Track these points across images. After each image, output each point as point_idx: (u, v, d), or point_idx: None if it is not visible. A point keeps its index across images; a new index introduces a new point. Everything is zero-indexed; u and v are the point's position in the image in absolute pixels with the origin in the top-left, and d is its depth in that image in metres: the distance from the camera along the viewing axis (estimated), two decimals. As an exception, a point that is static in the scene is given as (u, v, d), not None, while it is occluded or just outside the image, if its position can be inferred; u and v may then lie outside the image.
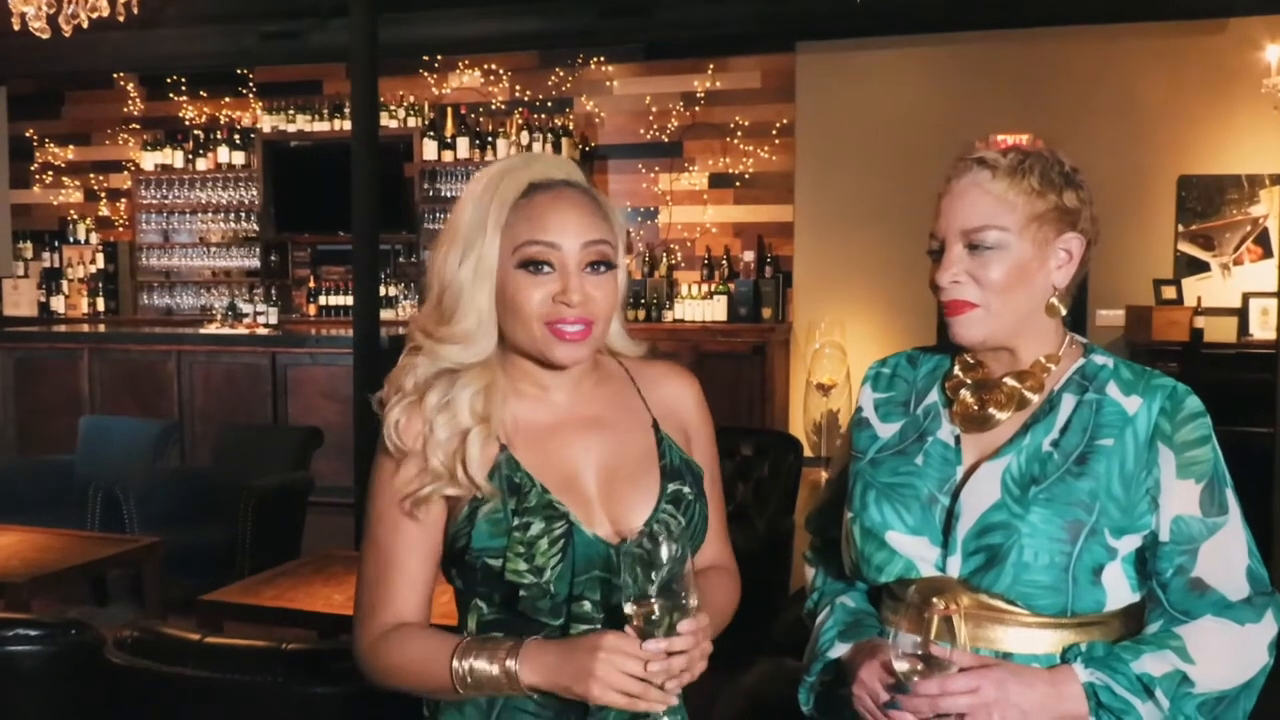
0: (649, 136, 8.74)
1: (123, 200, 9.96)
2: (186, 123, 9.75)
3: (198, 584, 4.04)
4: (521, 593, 1.44)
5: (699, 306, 8.45)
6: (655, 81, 8.71)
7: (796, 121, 8.43)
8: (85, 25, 5.05)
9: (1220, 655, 1.47)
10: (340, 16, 6.58)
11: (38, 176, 10.18)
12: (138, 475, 5.28)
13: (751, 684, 2.49)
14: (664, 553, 1.36)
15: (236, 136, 9.48)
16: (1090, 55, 7.75)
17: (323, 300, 9.31)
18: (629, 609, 1.35)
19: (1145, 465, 1.51)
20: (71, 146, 10.09)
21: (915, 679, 1.40)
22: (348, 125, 6.70)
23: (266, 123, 9.33)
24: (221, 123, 9.68)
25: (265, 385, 7.58)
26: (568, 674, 1.36)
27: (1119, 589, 1.51)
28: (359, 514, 5.04)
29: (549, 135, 8.69)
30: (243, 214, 9.47)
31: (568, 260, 1.46)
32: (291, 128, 9.26)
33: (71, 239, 9.93)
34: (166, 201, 9.60)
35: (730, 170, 8.62)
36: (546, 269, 1.46)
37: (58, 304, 9.83)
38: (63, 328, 9.13)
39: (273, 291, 9.30)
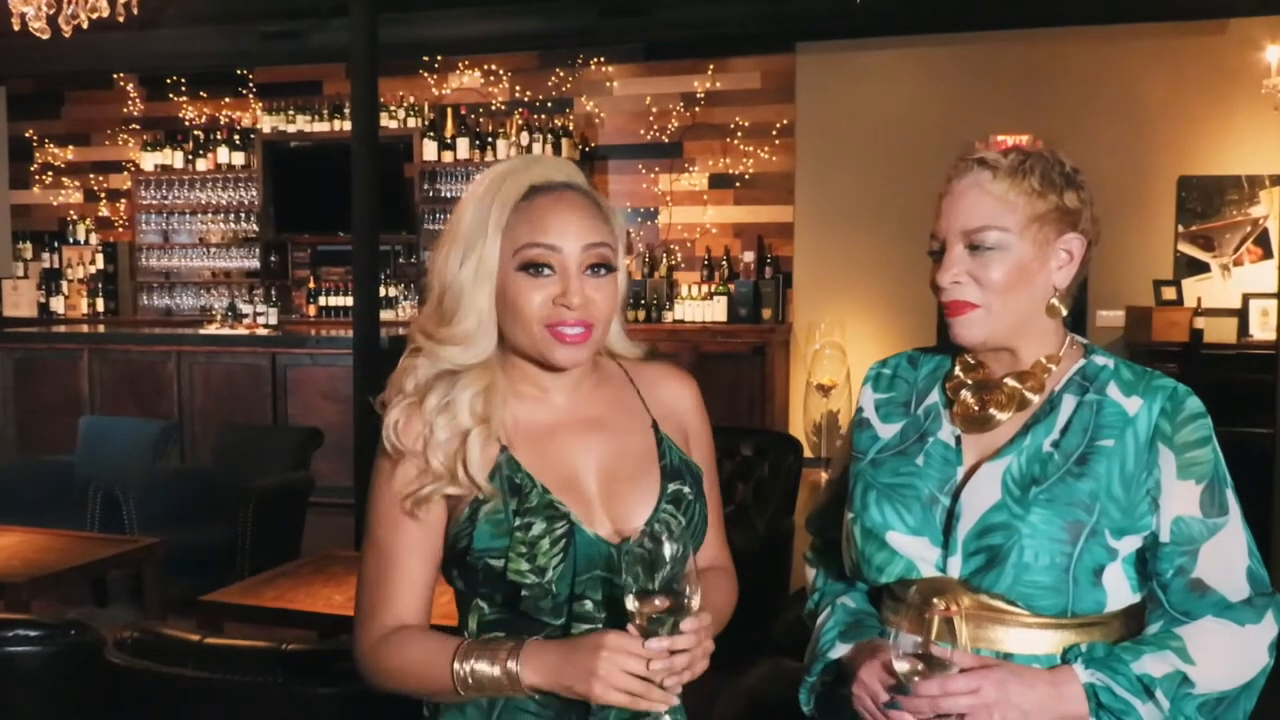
0: (649, 137, 8.74)
1: (122, 201, 9.96)
2: (186, 123, 9.76)
3: (198, 584, 4.04)
4: (523, 593, 1.45)
5: (699, 307, 8.45)
6: (655, 82, 8.71)
7: (796, 122, 8.43)
8: (85, 25, 5.05)
9: (1220, 656, 1.47)
10: (340, 17, 6.58)
11: (37, 177, 10.19)
12: (137, 476, 5.28)
13: (751, 684, 2.49)
14: (666, 552, 1.37)
15: (236, 137, 9.48)
16: (1090, 55, 7.75)
17: (323, 301, 9.31)
18: (631, 608, 1.36)
19: (1146, 466, 1.51)
20: (71, 147, 10.09)
21: (916, 679, 1.40)
22: (348, 126, 6.71)
23: (266, 123, 9.33)
24: (221, 123, 9.68)
25: (265, 386, 7.58)
26: (570, 674, 1.36)
27: (1119, 590, 1.51)
28: (359, 514, 5.04)
29: (549, 136, 8.69)
30: (242, 214, 9.47)
31: (568, 263, 1.46)
32: (291, 128, 9.27)
33: (71, 239, 9.93)
34: (166, 202, 9.60)
35: (730, 171, 8.62)
36: (547, 271, 1.46)
37: (57, 304, 9.84)
38: (62, 328, 9.13)
39: (273, 292, 9.30)
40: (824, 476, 7.68)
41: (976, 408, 1.60)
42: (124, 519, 5.05)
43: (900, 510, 1.57)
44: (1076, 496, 1.50)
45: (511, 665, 1.39)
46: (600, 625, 1.45)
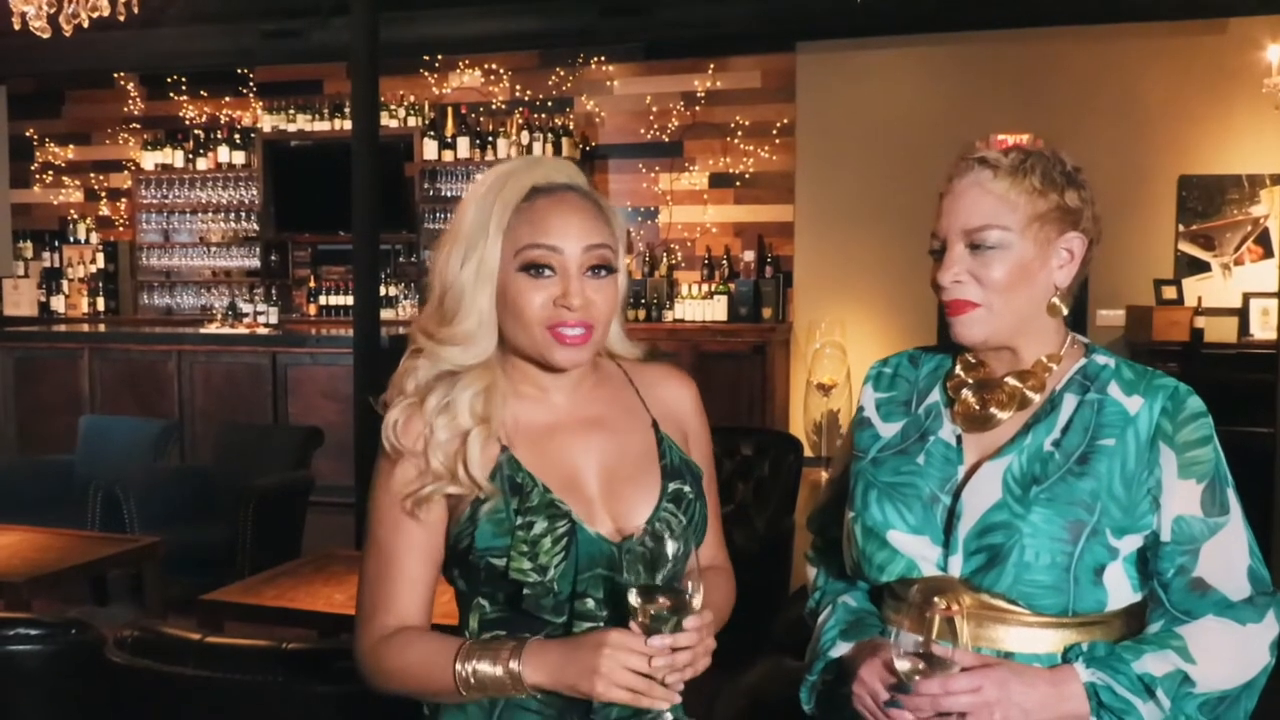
0: (649, 136, 8.74)
1: (123, 200, 9.96)
2: (187, 122, 9.76)
3: (198, 583, 4.04)
4: (525, 591, 1.45)
5: (699, 306, 8.45)
6: (655, 81, 8.71)
7: (797, 121, 8.43)
8: (85, 25, 5.04)
9: (1222, 655, 1.47)
10: (341, 16, 6.57)
11: (38, 176, 10.19)
12: (138, 475, 5.28)
13: (752, 683, 2.49)
14: (669, 549, 1.39)
15: (237, 136, 9.48)
16: (1090, 55, 7.75)
17: (323, 300, 9.31)
18: (634, 604, 1.36)
19: (1147, 465, 1.51)
20: (72, 146, 10.09)
21: (917, 678, 1.40)
22: (348, 125, 6.71)
23: (267, 122, 9.33)
24: (222, 122, 9.68)
25: (265, 385, 7.58)
26: (572, 672, 1.37)
27: (1120, 589, 1.51)
28: (359, 513, 5.05)
29: (549, 135, 8.68)
30: (243, 214, 9.47)
31: (569, 264, 1.47)
32: (292, 127, 9.27)
33: (72, 239, 9.94)
34: (167, 201, 9.60)
35: (730, 170, 8.62)
36: (548, 272, 1.47)
37: (58, 304, 9.84)
38: (63, 327, 9.13)
39: (273, 291, 9.30)
40: (824, 475, 7.68)
41: (977, 407, 1.60)
42: (124, 518, 5.05)
43: (901, 509, 1.57)
44: (1077, 496, 1.50)
45: (514, 665, 1.39)
46: (602, 623, 1.45)
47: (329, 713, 2.07)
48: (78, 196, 10.11)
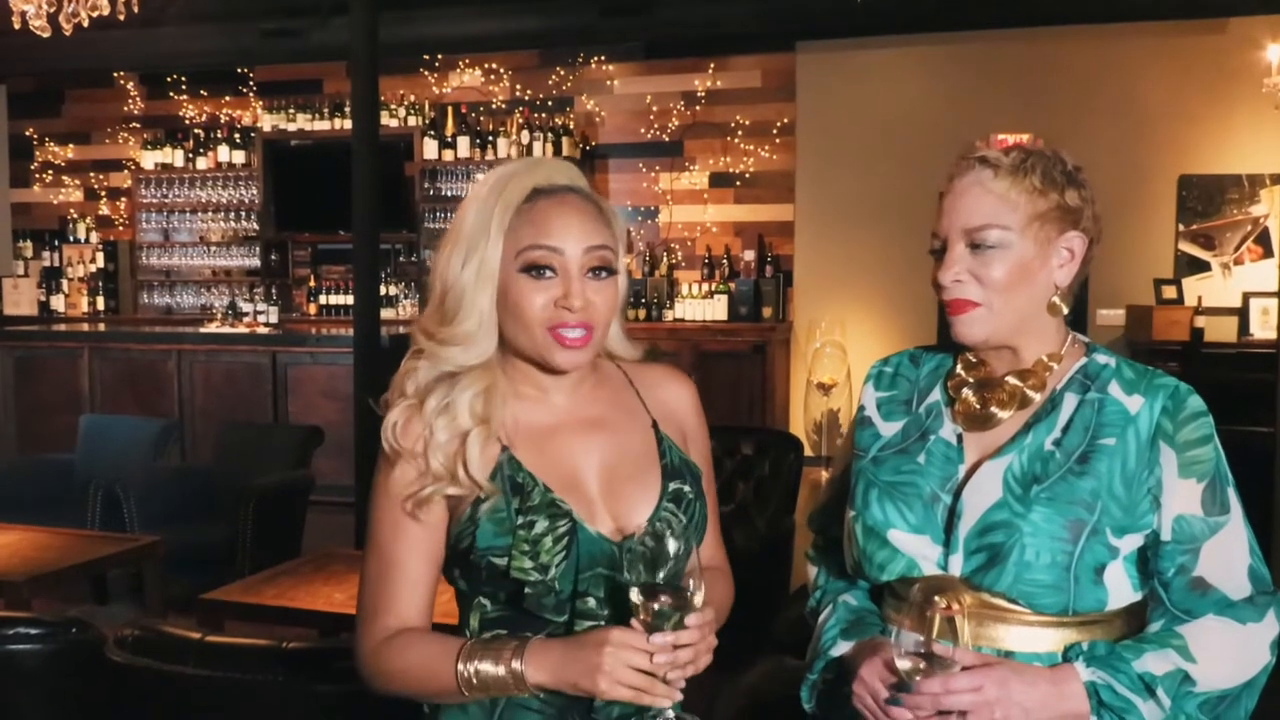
0: (649, 136, 8.74)
1: (123, 199, 9.96)
2: (187, 121, 9.75)
3: (198, 583, 4.04)
4: (526, 590, 1.46)
5: (699, 306, 8.45)
6: (656, 81, 8.71)
7: (797, 121, 8.43)
8: (85, 24, 5.04)
9: (1222, 654, 1.47)
10: (341, 15, 6.57)
11: (38, 175, 10.19)
12: (138, 474, 5.28)
13: (752, 682, 2.49)
14: (670, 548, 1.39)
15: (237, 135, 9.48)
16: (1090, 55, 7.75)
17: (323, 299, 9.31)
18: (635, 604, 1.37)
19: (1147, 464, 1.51)
20: (71, 145, 10.09)
21: (918, 677, 1.40)
22: (348, 124, 6.71)
23: (267, 121, 9.33)
24: (222, 122, 9.68)
25: (266, 384, 7.58)
26: (575, 670, 1.37)
27: (1121, 588, 1.51)
28: (359, 512, 5.04)
29: (549, 134, 8.68)
30: (243, 213, 9.47)
31: (570, 265, 1.48)
32: (292, 127, 9.27)
33: (71, 238, 9.93)
34: (167, 200, 9.60)
35: (731, 169, 8.62)
36: (549, 273, 1.48)
37: (58, 303, 9.84)
38: (63, 327, 9.13)
39: (273, 290, 9.29)
40: (824, 475, 7.69)
41: (978, 406, 1.60)
42: (124, 517, 5.05)
43: (902, 508, 1.58)
44: (1078, 495, 1.50)
45: (516, 664, 1.40)
46: (603, 622, 1.45)
47: (329, 712, 2.07)
48: (78, 196, 10.11)
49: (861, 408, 1.73)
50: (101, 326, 9.12)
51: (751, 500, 4.66)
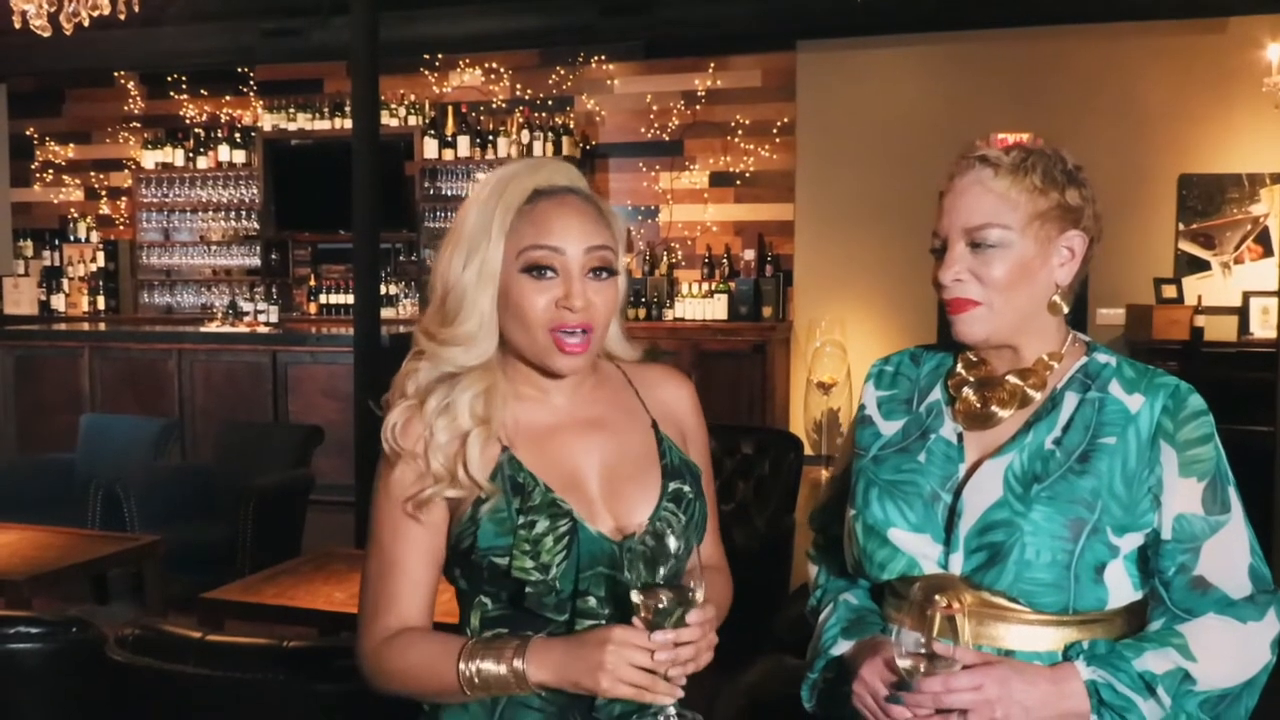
0: (650, 135, 8.74)
1: (123, 199, 9.96)
2: (187, 121, 9.75)
3: (198, 582, 4.04)
4: (527, 589, 1.46)
5: (699, 305, 8.45)
6: (656, 80, 8.71)
7: (797, 120, 8.43)
8: (86, 23, 5.04)
9: (1222, 653, 1.47)
10: (341, 14, 6.57)
11: (38, 175, 10.19)
12: (138, 473, 5.28)
13: (753, 681, 2.50)
14: (670, 546, 1.40)
15: (237, 135, 9.48)
16: (1090, 55, 7.75)
17: (323, 299, 9.31)
18: (636, 602, 1.37)
19: (1148, 463, 1.51)
20: (72, 145, 10.09)
21: (918, 676, 1.40)
22: (348, 124, 6.70)
23: (267, 121, 9.33)
24: (222, 121, 9.68)
25: (266, 383, 7.58)
26: (576, 668, 1.37)
27: (1121, 587, 1.51)
28: (359, 512, 5.04)
29: (549, 134, 8.68)
30: (243, 212, 9.47)
31: (570, 265, 1.48)
32: (292, 126, 9.27)
33: (72, 237, 9.93)
34: (167, 200, 9.60)
35: (731, 169, 8.62)
36: (550, 274, 1.48)
37: (58, 302, 9.84)
38: (63, 326, 9.13)
39: (273, 290, 9.29)
40: (824, 474, 7.69)
41: (978, 405, 1.60)
42: (125, 516, 5.05)
43: (902, 507, 1.58)
44: (1078, 494, 1.50)
45: (518, 663, 1.40)
46: (603, 621, 1.46)
47: (329, 711, 2.07)
48: (78, 195, 10.11)
49: (862, 406, 1.73)
50: (102, 326, 9.12)
51: (751, 499, 4.66)
